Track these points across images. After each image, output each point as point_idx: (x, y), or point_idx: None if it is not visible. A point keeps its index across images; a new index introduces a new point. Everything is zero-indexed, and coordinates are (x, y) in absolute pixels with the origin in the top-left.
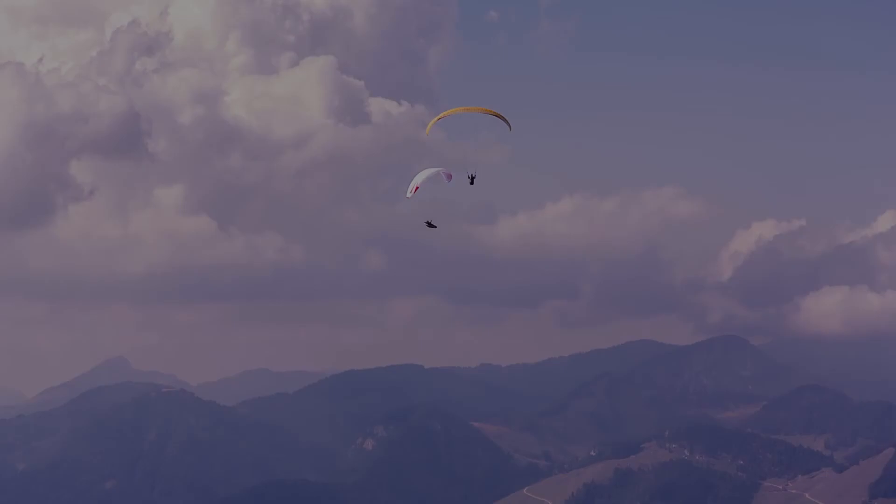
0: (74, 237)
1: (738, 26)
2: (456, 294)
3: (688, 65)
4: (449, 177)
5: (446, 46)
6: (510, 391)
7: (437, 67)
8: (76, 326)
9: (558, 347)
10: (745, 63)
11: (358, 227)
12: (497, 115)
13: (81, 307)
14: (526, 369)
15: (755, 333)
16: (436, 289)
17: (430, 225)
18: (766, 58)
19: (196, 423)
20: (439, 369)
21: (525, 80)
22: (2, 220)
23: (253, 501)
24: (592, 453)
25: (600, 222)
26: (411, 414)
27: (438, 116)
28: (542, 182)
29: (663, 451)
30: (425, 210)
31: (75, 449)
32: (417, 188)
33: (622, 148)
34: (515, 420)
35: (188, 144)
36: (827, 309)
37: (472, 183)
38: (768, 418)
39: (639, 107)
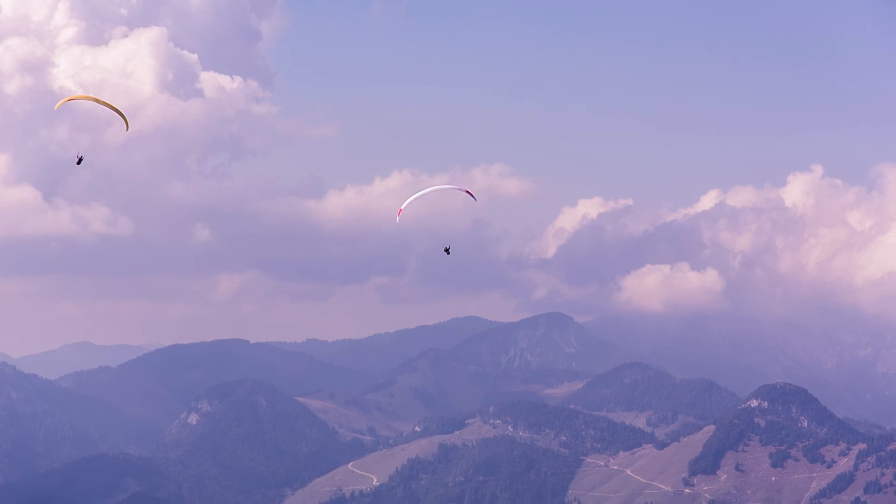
0: None
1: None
2: (282, 269)
3: (519, 43)
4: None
5: (280, 22)
6: (336, 367)
7: (270, 43)
8: None
9: (384, 323)
10: (573, 41)
11: (185, 201)
12: (118, 113)
13: None
14: (352, 345)
15: (579, 311)
16: (262, 263)
17: (447, 251)
18: (596, 37)
19: (17, 396)
20: (264, 344)
21: (357, 56)
22: None
23: (75, 475)
24: (417, 429)
25: (429, 198)
26: (236, 388)
27: (68, 98)
28: (372, 157)
29: (487, 426)
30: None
31: None
32: (401, 211)
33: (454, 125)
34: (341, 395)
35: (14, 115)
36: (649, 287)
37: (79, 163)
38: (591, 395)
39: (471, 84)
